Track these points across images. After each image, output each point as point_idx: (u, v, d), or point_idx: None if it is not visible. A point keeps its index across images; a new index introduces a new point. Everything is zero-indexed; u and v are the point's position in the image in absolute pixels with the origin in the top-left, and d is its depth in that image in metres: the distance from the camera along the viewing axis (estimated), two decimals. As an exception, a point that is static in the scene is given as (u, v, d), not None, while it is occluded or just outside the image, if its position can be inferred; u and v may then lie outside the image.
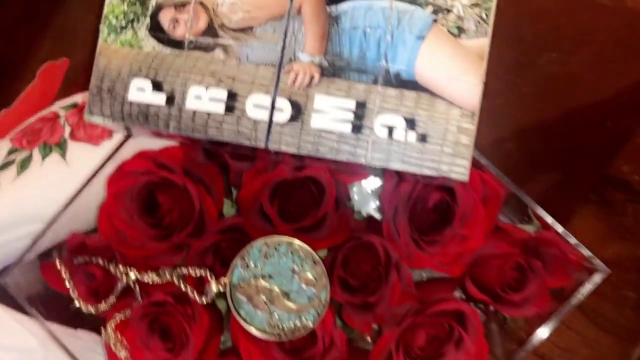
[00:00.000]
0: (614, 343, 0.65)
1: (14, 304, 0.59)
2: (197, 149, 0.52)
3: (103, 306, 0.52)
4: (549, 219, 0.49)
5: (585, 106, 0.69)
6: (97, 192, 0.54)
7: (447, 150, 0.40)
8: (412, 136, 0.41)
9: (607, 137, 0.68)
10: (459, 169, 0.40)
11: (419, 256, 0.49)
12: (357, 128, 0.42)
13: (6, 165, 0.63)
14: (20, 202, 0.61)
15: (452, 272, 0.50)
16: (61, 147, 0.63)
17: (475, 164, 0.50)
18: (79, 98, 0.67)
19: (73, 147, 0.63)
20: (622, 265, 0.66)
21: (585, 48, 0.69)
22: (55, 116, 0.66)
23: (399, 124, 0.41)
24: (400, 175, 0.48)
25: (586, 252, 0.49)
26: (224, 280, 0.48)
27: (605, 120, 0.68)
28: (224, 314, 0.55)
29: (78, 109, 0.66)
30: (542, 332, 0.50)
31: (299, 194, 0.50)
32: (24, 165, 0.63)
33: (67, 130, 0.64)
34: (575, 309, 0.67)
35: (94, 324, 0.57)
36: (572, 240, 0.49)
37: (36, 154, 0.63)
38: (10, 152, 0.64)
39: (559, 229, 0.49)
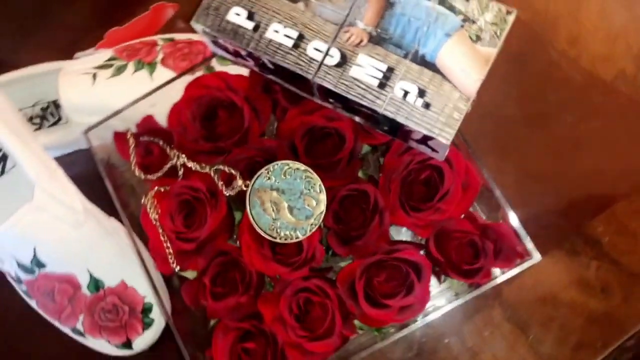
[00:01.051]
0: (551, 377, 0.70)
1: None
2: (259, 82, 0.61)
3: (151, 176, 0.61)
4: (511, 214, 0.57)
5: (581, 168, 0.75)
6: (168, 106, 0.62)
7: (442, 119, 0.49)
8: (419, 102, 0.50)
9: (591, 199, 0.74)
10: (445, 135, 0.49)
11: (401, 215, 0.57)
12: (382, 85, 0.50)
13: (106, 66, 0.73)
14: (108, 95, 0.71)
15: (422, 234, 0.58)
16: (152, 67, 0.73)
17: (465, 156, 0.59)
18: (177, 36, 0.77)
19: (160, 70, 0.73)
20: (574, 310, 0.72)
21: (595, 121, 0.76)
22: (154, 43, 0.76)
23: (413, 90, 0.50)
24: (406, 141, 0.56)
25: (523, 235, 0.56)
26: (248, 182, 0.57)
27: (593, 184, 0.75)
28: (236, 223, 0.62)
29: (174, 43, 0.75)
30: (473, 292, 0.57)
31: (324, 138, 0.58)
32: (119, 70, 0.72)
33: (160, 56, 0.74)
34: (523, 338, 0.75)
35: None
36: (522, 231, 0.57)
37: (131, 66, 0.72)
38: (111, 58, 0.74)
39: (515, 224, 0.57)
